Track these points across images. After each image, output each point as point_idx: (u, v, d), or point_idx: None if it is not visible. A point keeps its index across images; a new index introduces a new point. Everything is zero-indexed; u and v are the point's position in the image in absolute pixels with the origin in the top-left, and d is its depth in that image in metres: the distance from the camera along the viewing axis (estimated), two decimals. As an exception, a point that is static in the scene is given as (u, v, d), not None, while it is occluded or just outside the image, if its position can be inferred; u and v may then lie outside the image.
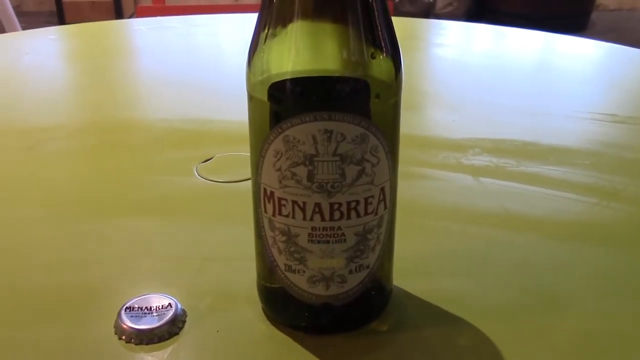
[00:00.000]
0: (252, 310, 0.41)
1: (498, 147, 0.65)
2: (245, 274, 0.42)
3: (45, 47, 1.06)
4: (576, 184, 0.58)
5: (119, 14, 3.89)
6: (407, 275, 0.43)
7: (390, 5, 2.86)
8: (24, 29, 2.78)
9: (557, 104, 0.79)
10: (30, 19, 3.67)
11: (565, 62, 1.00)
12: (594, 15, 3.94)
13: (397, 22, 1.37)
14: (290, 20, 0.33)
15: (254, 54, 0.34)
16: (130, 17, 3.94)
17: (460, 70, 0.95)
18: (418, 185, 0.58)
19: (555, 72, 0.94)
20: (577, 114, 0.74)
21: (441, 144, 0.67)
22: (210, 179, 0.58)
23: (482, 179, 0.59)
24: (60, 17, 3.90)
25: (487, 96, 0.82)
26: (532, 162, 0.62)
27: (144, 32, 1.17)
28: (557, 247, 0.49)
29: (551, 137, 0.68)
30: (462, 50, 1.07)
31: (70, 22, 3.80)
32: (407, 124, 0.68)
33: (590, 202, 0.55)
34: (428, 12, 3.78)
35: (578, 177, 0.59)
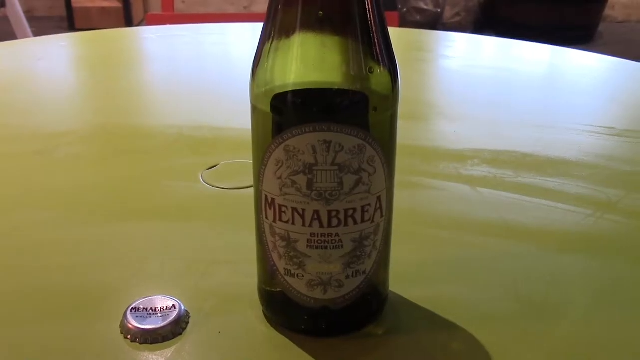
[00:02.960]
0: (253, 312, 0.42)
1: (497, 158, 0.66)
2: (247, 278, 0.43)
3: (57, 54, 1.08)
4: (572, 195, 0.59)
5: (128, 21, 3.92)
6: (404, 281, 0.45)
7: (396, 15, 2.87)
8: (34, 33, 2.81)
9: (558, 117, 0.80)
10: (40, 24, 3.71)
11: (568, 75, 1.01)
12: (602, 27, 3.95)
13: (405, 33, 1.37)
14: (292, 35, 0.34)
15: (257, 66, 0.36)
16: (140, 23, 3.97)
17: (464, 82, 0.96)
18: (417, 194, 0.59)
19: (557, 85, 0.95)
20: (576, 127, 0.75)
21: (441, 154, 0.68)
22: (216, 185, 0.60)
23: (480, 189, 0.60)
24: (70, 22, 3.93)
25: (489, 108, 0.84)
26: (530, 174, 0.63)
27: (154, 40, 1.19)
28: (551, 256, 0.50)
29: (549, 149, 0.69)
30: (468, 62, 1.09)
31: (80, 28, 3.83)
32: (409, 135, 0.70)
33: (585, 214, 0.56)
34: (436, 22, 3.80)
35: (574, 188, 0.60)
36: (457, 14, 3.86)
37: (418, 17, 3.79)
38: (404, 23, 3.68)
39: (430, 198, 0.60)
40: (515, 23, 3.71)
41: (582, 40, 3.72)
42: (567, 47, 1.10)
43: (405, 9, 3.78)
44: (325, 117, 0.34)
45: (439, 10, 3.81)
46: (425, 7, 3.80)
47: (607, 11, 4.07)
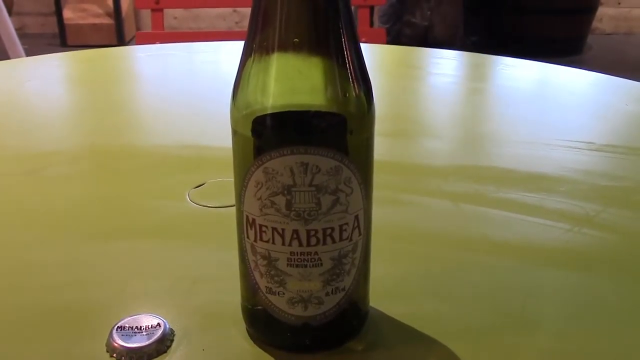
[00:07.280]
0: (236, 329, 0.43)
1: (478, 174, 0.68)
2: (231, 295, 0.44)
3: (47, 74, 1.09)
4: (551, 210, 0.60)
5: (120, 37, 3.94)
6: (384, 297, 0.46)
7: (383, 31, 2.89)
8: (26, 51, 2.82)
9: (539, 133, 0.81)
10: (32, 41, 3.72)
11: (550, 91, 1.03)
12: (591, 39, 3.99)
13: (395, 50, 1.38)
14: (269, 62, 0.36)
15: (237, 92, 0.37)
16: (132, 40, 3.98)
17: (447, 99, 0.98)
18: (398, 210, 0.60)
19: (539, 101, 0.97)
20: (556, 142, 0.76)
21: (423, 170, 0.70)
22: (202, 204, 0.61)
23: (461, 204, 0.61)
24: (62, 39, 3.95)
25: (472, 124, 0.85)
26: (510, 189, 0.64)
27: (144, 59, 1.20)
28: (530, 271, 0.51)
29: (530, 164, 0.70)
30: (452, 79, 1.10)
31: (72, 44, 3.85)
32: (391, 151, 0.71)
33: (564, 228, 0.57)
34: (425, 35, 3.83)
35: (553, 203, 0.62)
36: (447, 27, 3.89)
37: (408, 31, 3.82)
38: (394, 37, 3.71)
39: (411, 214, 0.61)
40: (505, 35, 3.74)
41: (571, 52, 3.76)
42: (556, 59, 1.12)
43: (394, 23, 3.81)
44: (302, 140, 0.36)
45: (428, 24, 3.84)
46: (414, 20, 3.83)
47: (595, 23, 4.11)
